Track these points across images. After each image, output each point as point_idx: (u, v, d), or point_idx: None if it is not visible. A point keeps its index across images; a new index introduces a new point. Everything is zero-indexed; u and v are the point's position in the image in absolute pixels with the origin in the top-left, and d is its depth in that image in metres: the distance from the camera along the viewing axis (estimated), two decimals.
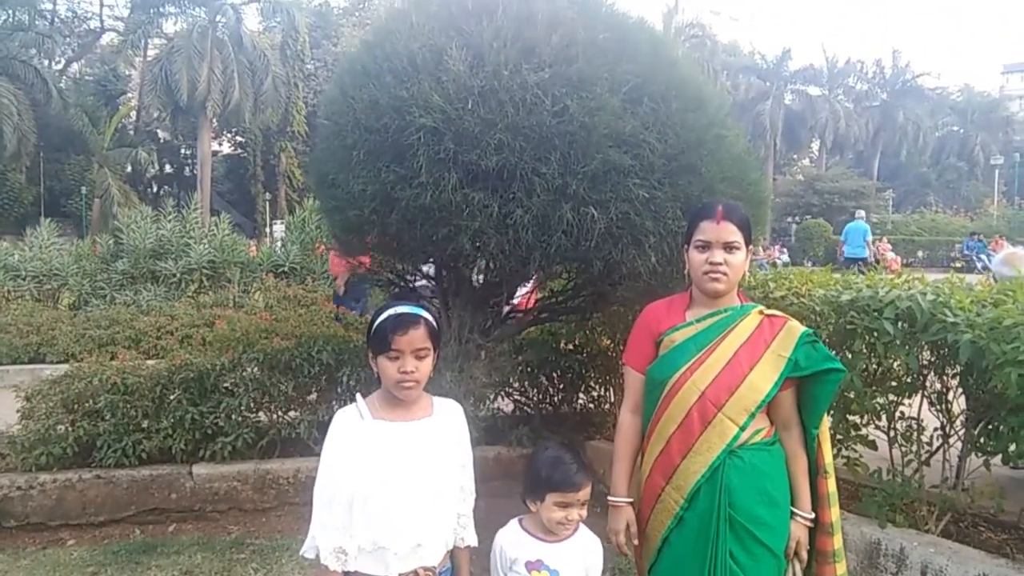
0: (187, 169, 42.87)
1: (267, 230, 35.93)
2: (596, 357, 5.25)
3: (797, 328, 2.15)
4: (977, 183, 50.34)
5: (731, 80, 49.29)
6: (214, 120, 37.33)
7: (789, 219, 39.24)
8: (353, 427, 1.99)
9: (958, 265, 25.90)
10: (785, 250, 32.31)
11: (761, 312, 2.19)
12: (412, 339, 1.95)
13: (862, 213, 20.72)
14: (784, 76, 47.87)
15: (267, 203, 39.03)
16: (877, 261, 17.51)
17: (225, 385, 4.48)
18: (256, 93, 35.26)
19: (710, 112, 3.36)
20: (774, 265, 19.01)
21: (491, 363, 3.88)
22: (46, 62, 36.89)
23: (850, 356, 3.43)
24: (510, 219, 3.04)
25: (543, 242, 3.11)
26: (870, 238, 19.09)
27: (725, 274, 2.12)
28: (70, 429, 4.32)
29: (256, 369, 4.56)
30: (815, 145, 52.65)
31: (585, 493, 2.13)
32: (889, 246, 31.58)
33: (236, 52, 34.20)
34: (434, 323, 2.03)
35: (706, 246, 2.14)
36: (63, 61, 41.34)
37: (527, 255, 3.14)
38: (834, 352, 3.59)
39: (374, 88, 3.26)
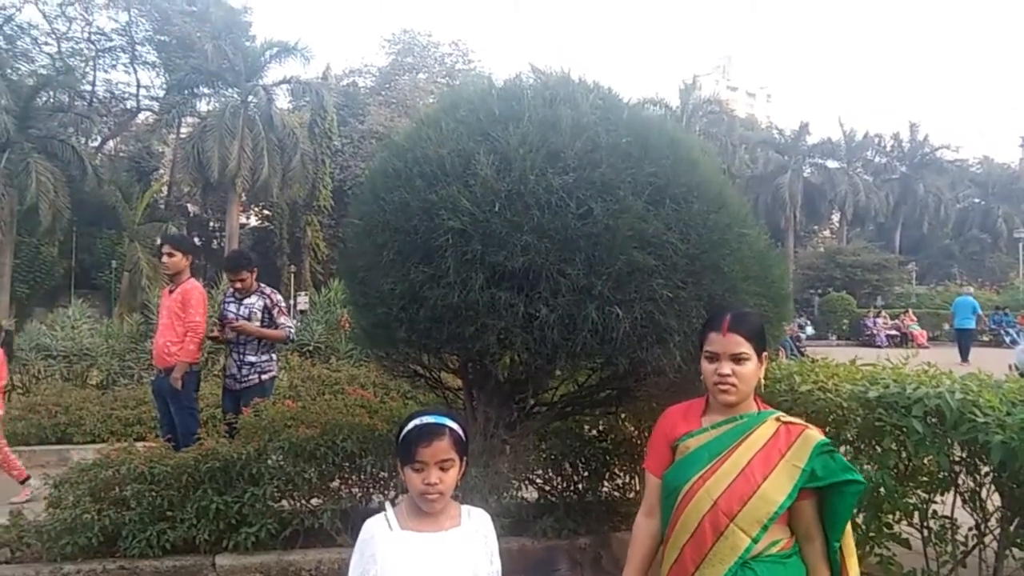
0: (215, 242, 43.79)
1: (291, 302, 36.36)
2: (621, 445, 5.21)
3: (814, 437, 2.11)
4: (1001, 255, 49.99)
5: (749, 154, 50.00)
6: (243, 195, 38.38)
7: (811, 291, 39.05)
8: (382, 537, 2.00)
9: (986, 339, 25.53)
10: (808, 323, 32.06)
11: (778, 420, 2.17)
12: (436, 450, 1.96)
13: (970, 289, 22.76)
14: (802, 150, 48.46)
15: (292, 275, 39.62)
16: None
17: (250, 473, 4.49)
18: (284, 169, 36.28)
19: (731, 211, 3.44)
20: (797, 340, 18.86)
21: (516, 457, 3.88)
22: (83, 140, 38.30)
23: (879, 452, 3.39)
24: (536, 318, 3.10)
25: (568, 340, 3.15)
26: (980, 311, 20.82)
27: (734, 385, 2.11)
28: (96, 518, 4.33)
29: (281, 457, 4.58)
30: (835, 217, 52.80)
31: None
32: (914, 319, 31.26)
33: (266, 130, 35.36)
34: (460, 432, 2.04)
35: (714, 357, 2.14)
36: (99, 139, 42.88)
37: (553, 353, 3.19)
38: (863, 448, 3.56)
39: (404, 191, 3.39)
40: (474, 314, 3.16)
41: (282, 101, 41.25)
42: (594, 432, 5.34)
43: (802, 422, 2.19)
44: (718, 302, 3.17)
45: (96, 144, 41.71)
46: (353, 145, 42.49)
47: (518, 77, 3.87)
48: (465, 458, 2.07)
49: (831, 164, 49.80)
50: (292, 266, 40.33)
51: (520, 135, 3.31)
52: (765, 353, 2.20)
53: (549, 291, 3.10)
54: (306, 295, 37.57)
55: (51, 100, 34.56)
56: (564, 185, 3.16)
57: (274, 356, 6.24)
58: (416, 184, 3.38)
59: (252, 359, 6.01)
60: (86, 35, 42.49)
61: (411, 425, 2.03)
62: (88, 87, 42.34)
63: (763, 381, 2.24)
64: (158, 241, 36.21)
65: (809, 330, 31.35)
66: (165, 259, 5.95)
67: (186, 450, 4.63)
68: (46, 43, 42.13)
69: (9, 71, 34.65)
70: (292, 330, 6.25)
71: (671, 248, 3.13)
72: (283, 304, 6.17)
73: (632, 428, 5.20)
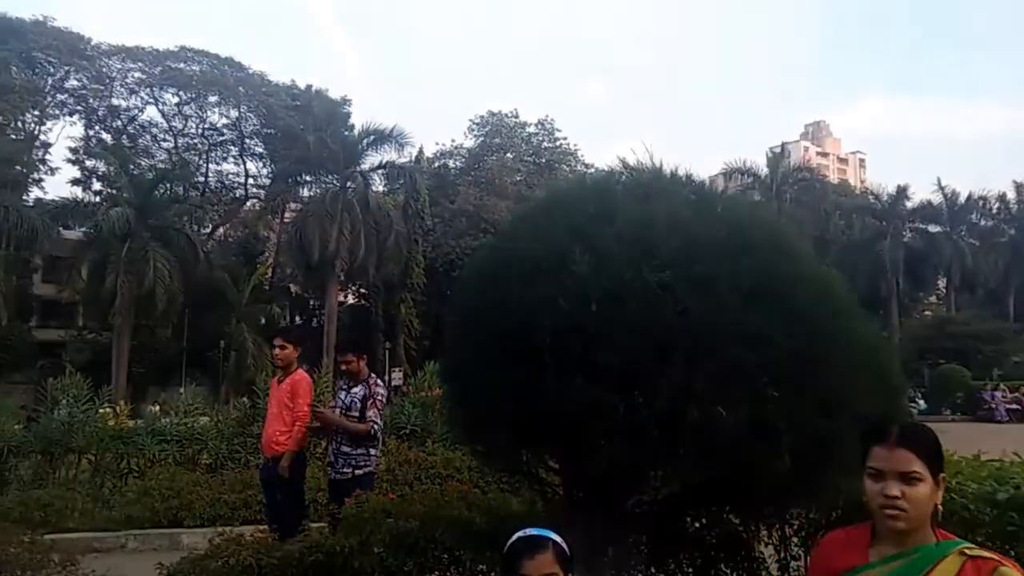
0: (315, 320, 45.46)
1: (387, 378, 37.13)
2: (727, 539, 4.99)
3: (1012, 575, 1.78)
4: None
5: (844, 220, 48.53)
6: (341, 275, 39.95)
7: (920, 363, 36.85)
8: None
9: None
10: (920, 397, 30.18)
11: (963, 553, 1.82)
12: (540, 564, 1.97)
13: None
14: (901, 214, 46.53)
15: (387, 352, 40.53)
16: None
17: (353, 567, 4.53)
18: (380, 249, 37.71)
19: (838, 303, 3.34)
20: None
21: (618, 556, 3.77)
22: (196, 228, 41.00)
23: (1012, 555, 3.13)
24: (635, 419, 3.06)
25: (670, 441, 3.09)
26: None
27: (904, 510, 1.80)
28: None
29: (381, 550, 4.61)
30: (941, 282, 50.13)
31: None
32: None
33: (363, 213, 37.00)
34: (564, 547, 2.05)
35: (879, 475, 1.85)
36: (210, 226, 45.80)
37: (654, 453, 3.12)
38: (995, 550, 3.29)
39: (502, 289, 3.45)
40: (573, 414, 3.14)
41: (377, 185, 43.23)
42: (696, 526, 5.15)
43: (994, 555, 1.86)
44: (830, 399, 3.05)
45: (208, 231, 44.53)
46: (444, 224, 43.82)
47: (610, 173, 3.93)
48: (570, 573, 2.06)
49: (933, 228, 47.56)
50: (387, 343, 41.31)
51: (615, 233, 3.34)
52: (942, 475, 1.89)
53: (649, 391, 3.06)
54: (400, 371, 38.40)
55: (168, 192, 37.25)
56: (661, 282, 3.15)
57: (372, 451, 6.04)
58: (513, 282, 3.43)
59: (347, 450, 5.93)
60: (200, 131, 46.09)
61: (515, 538, 2.07)
62: (201, 178, 45.62)
63: (940, 508, 1.89)
64: (262, 321, 37.99)
65: (921, 404, 29.50)
66: (277, 351, 6.15)
67: (291, 542, 4.72)
68: (164, 139, 46.01)
69: (132, 167, 37.76)
70: (378, 427, 5.95)
71: (775, 344, 3.05)
72: (380, 397, 6.03)
73: (736, 521, 4.99)
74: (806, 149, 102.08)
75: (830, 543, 2.04)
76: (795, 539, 4.68)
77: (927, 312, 53.27)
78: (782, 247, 3.45)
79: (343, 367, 6.23)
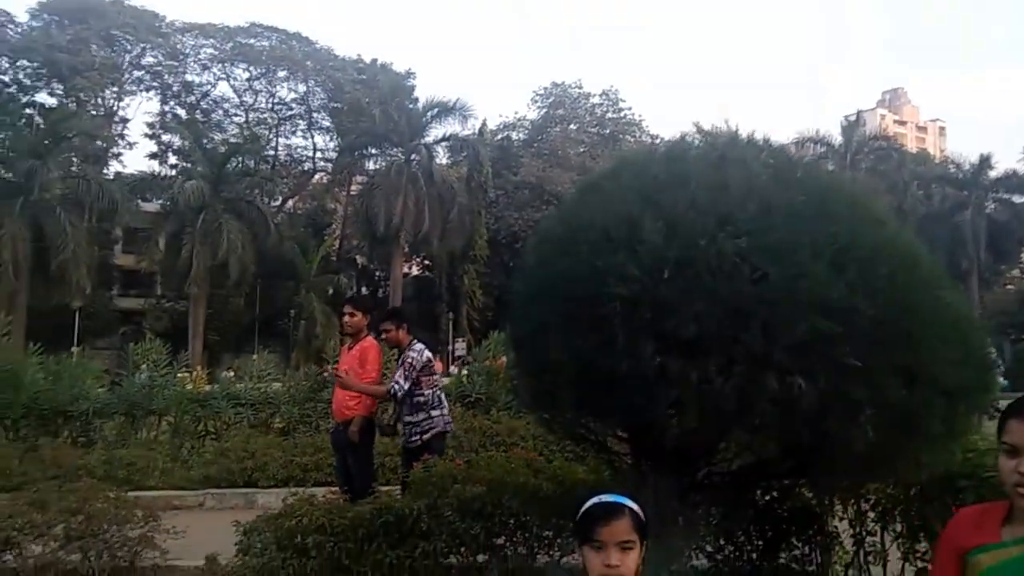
0: (380, 291, 46.29)
1: (450, 348, 37.64)
2: (798, 513, 4.89)
3: None
4: None
5: (923, 190, 46.53)
6: (405, 246, 40.52)
7: (1002, 338, 35.23)
8: None
9: None
10: (1000, 374, 28.88)
11: None
12: (615, 530, 1.92)
13: None
14: (984, 184, 44.30)
15: (450, 322, 41.03)
16: None
17: (421, 528, 4.63)
18: (443, 221, 38.03)
19: (924, 272, 3.19)
20: None
21: (688, 527, 3.74)
22: (267, 200, 42.07)
23: None
24: (710, 388, 3.00)
25: (745, 411, 3.02)
26: None
27: None
28: (281, 566, 4.60)
29: (449, 513, 4.69)
30: None
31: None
32: None
33: (427, 186, 37.33)
34: (640, 514, 1.99)
35: (1014, 451, 1.70)
36: (280, 199, 46.90)
37: (728, 424, 3.06)
38: None
39: (570, 258, 3.41)
40: (644, 383, 3.10)
41: (441, 157, 43.48)
42: (767, 499, 5.06)
43: None
44: (914, 372, 2.93)
45: (278, 203, 45.64)
46: (507, 196, 43.83)
47: (682, 139, 3.83)
48: (645, 542, 2.02)
49: (1017, 199, 45.14)
50: (450, 313, 41.80)
51: (688, 199, 3.25)
52: None
53: (723, 360, 2.99)
54: (463, 341, 38.88)
55: (240, 165, 38.29)
56: (737, 250, 3.06)
57: (434, 414, 6.06)
58: (581, 251, 3.38)
59: (409, 418, 6.00)
60: (269, 105, 47.11)
61: (591, 503, 2.02)
62: (271, 152, 46.68)
63: None
64: (330, 291, 38.90)
65: (1002, 381, 28.24)
66: (347, 319, 6.24)
67: (362, 502, 4.84)
68: (235, 114, 47.19)
69: (205, 141, 38.90)
70: (397, 387, 5.87)
71: (857, 314, 2.94)
72: (411, 360, 5.93)
73: (809, 495, 4.88)
74: (883, 117, 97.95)
75: (961, 520, 1.90)
76: (871, 514, 4.55)
77: (1009, 286, 50.83)
78: (865, 214, 3.31)
79: (382, 335, 6.25)
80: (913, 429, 3.06)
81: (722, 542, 4.95)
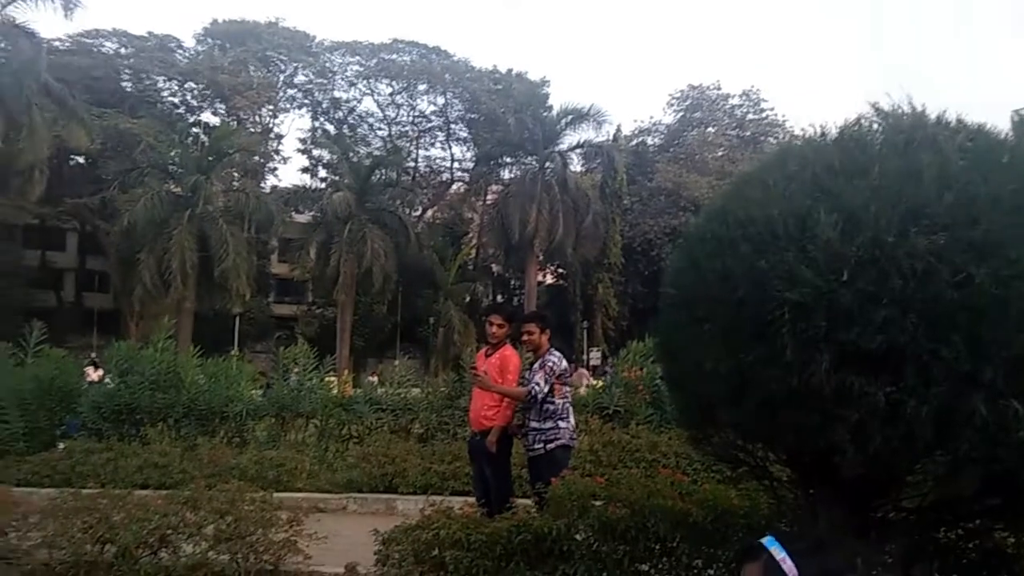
0: (515, 299, 46.65)
1: (585, 357, 37.31)
2: (991, 556, 4.23)
3: None
4: None
5: None
6: (540, 254, 40.61)
7: None
8: None
9: None
10: None
11: None
12: (748, 572, 1.92)
13: None
14: None
15: (584, 331, 40.67)
16: None
17: (560, 550, 4.38)
18: (577, 229, 37.83)
19: None
20: None
21: (867, 570, 3.25)
22: (407, 211, 43.52)
23: None
24: (901, 411, 2.55)
25: (943, 440, 2.55)
26: None
27: None
28: None
29: (590, 535, 4.42)
30: None
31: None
32: None
33: (561, 193, 37.26)
34: (779, 561, 1.89)
35: None
36: (420, 209, 48.39)
37: (921, 454, 2.60)
38: None
39: (727, 258, 3.05)
40: (818, 402, 2.70)
41: (575, 164, 43.34)
42: (951, 536, 4.42)
43: None
44: None
45: (418, 213, 47.10)
46: (642, 203, 43.01)
47: (857, 121, 3.37)
48: None
49: None
50: (585, 322, 41.43)
51: (869, 189, 2.82)
52: None
53: (918, 377, 2.54)
54: (598, 351, 38.40)
55: (383, 177, 39.79)
56: (933, 247, 2.61)
57: (562, 424, 5.77)
58: (741, 250, 3.02)
59: (535, 425, 5.74)
60: (410, 119, 48.75)
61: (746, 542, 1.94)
62: (411, 164, 48.28)
63: None
64: (467, 299, 39.62)
65: None
66: (495, 329, 6.00)
67: (500, 518, 4.65)
68: (379, 128, 49.17)
69: (351, 155, 40.75)
70: (537, 389, 5.64)
71: None
72: (551, 365, 5.72)
73: (1007, 535, 4.21)
74: None
75: None
76: None
77: None
78: None
79: (524, 337, 6.02)
80: None
81: None
